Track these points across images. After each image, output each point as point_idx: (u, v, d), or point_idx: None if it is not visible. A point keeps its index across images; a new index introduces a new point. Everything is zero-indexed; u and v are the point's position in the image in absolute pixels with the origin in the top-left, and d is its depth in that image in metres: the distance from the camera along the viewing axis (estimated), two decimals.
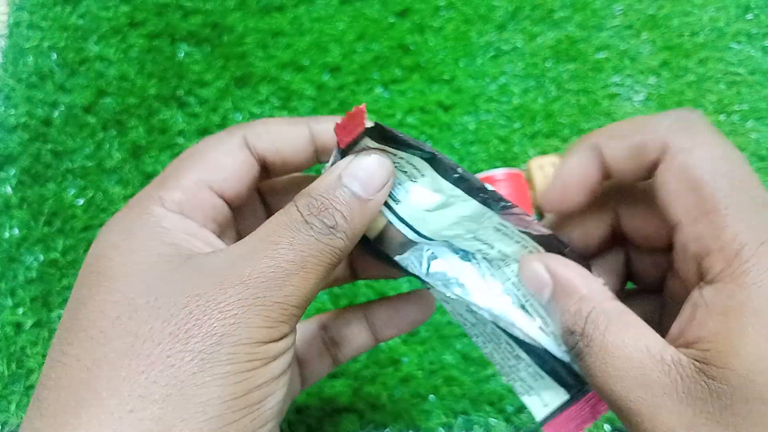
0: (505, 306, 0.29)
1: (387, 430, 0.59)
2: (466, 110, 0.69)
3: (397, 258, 0.28)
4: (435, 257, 0.29)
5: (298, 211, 0.24)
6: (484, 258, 0.29)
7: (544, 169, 0.64)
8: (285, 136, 0.27)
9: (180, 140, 0.68)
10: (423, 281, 0.29)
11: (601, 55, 0.71)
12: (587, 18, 0.72)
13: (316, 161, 0.29)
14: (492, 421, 0.58)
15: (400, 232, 0.28)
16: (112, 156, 0.68)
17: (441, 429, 0.59)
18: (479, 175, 0.62)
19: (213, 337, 0.21)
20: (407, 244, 0.28)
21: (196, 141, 0.70)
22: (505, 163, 0.67)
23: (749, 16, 0.72)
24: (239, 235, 0.30)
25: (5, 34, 0.73)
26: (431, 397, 0.60)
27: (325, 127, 0.28)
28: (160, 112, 0.69)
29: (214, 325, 0.21)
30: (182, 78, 0.70)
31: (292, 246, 0.23)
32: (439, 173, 0.27)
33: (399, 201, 0.27)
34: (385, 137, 0.26)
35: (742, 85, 0.69)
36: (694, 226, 0.22)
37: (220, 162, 0.26)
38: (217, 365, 0.21)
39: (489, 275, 0.29)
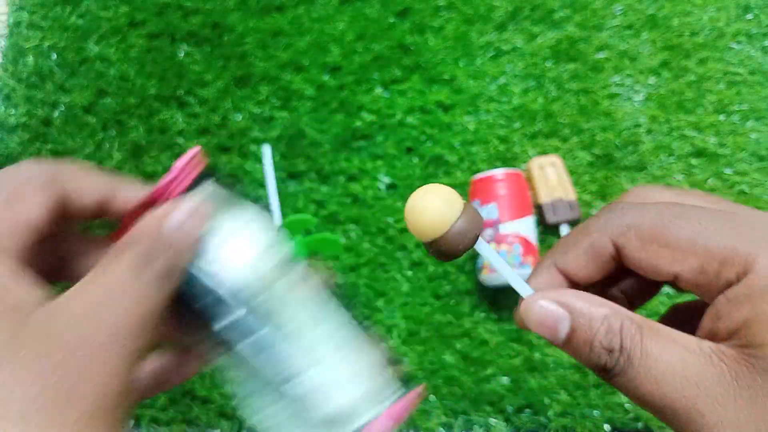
0: None
1: None
2: (466, 110, 0.69)
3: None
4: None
5: (129, 265, 0.24)
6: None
7: (544, 169, 0.64)
8: (87, 181, 0.28)
9: (180, 140, 0.68)
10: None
11: (601, 55, 0.71)
12: (587, 18, 0.72)
13: (104, 214, 0.29)
14: (492, 421, 0.58)
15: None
16: (112, 156, 0.68)
17: (441, 429, 0.59)
18: (479, 175, 0.62)
19: None
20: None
21: (196, 141, 0.70)
22: (505, 163, 0.67)
23: (749, 16, 0.72)
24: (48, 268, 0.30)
25: (5, 34, 0.73)
26: (431, 397, 0.60)
27: (127, 193, 0.28)
28: (160, 112, 0.69)
29: None
30: (182, 78, 0.71)
31: (116, 311, 0.23)
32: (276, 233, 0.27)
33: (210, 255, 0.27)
34: (218, 180, 0.26)
35: (742, 85, 0.69)
36: (690, 267, 0.23)
37: (20, 182, 0.26)
38: None
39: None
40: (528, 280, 0.27)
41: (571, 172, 0.66)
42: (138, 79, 0.70)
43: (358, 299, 0.63)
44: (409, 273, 0.63)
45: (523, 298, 0.26)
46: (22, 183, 0.26)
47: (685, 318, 0.29)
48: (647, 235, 0.24)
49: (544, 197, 0.63)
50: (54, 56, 0.72)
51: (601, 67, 0.70)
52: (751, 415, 0.21)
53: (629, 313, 0.24)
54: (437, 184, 0.26)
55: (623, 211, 0.25)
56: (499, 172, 0.62)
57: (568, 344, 0.25)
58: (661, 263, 0.24)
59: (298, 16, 0.73)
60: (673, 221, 0.23)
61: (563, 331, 0.25)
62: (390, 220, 0.65)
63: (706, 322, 0.23)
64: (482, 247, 0.27)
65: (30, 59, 0.71)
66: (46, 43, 0.72)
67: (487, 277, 0.60)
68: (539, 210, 0.64)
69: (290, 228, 0.56)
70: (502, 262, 0.27)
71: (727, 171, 0.66)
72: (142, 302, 0.24)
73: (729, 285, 0.22)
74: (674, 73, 0.70)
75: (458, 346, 0.61)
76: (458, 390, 0.60)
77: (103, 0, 0.74)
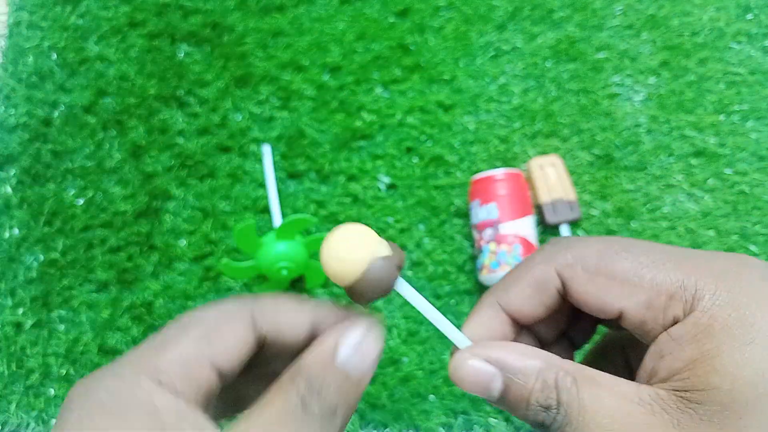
0: None
1: (387, 430, 0.59)
2: (466, 110, 0.69)
3: None
4: None
5: (297, 396, 0.22)
6: None
7: (544, 169, 0.64)
8: (290, 320, 0.26)
9: (180, 140, 0.68)
10: None
11: (601, 55, 0.71)
12: (587, 18, 0.72)
13: (306, 340, 0.27)
14: (492, 421, 0.58)
15: None
16: (112, 156, 0.68)
17: (441, 429, 0.59)
18: (479, 175, 0.62)
19: None
20: None
21: (196, 141, 0.70)
22: (505, 163, 0.67)
23: (749, 16, 0.72)
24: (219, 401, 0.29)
25: (5, 34, 0.73)
26: (431, 397, 0.60)
27: (325, 315, 0.26)
28: (160, 112, 0.69)
29: None
30: (182, 78, 0.71)
31: None
32: None
33: None
34: None
35: (742, 85, 0.69)
36: (636, 301, 0.22)
37: (226, 338, 0.24)
38: None
39: None
40: (468, 319, 0.26)
41: (571, 172, 0.66)
42: (138, 79, 0.70)
43: None
44: (409, 273, 0.63)
45: (454, 353, 0.25)
46: (222, 318, 0.25)
47: (615, 349, 0.28)
48: (593, 268, 0.23)
49: (544, 197, 0.63)
50: (54, 56, 0.72)
51: (601, 67, 0.70)
52: None
53: (564, 363, 0.23)
54: (352, 225, 0.25)
55: (569, 244, 0.24)
56: (499, 172, 0.61)
57: (502, 402, 0.23)
58: (608, 298, 0.23)
59: (298, 16, 0.73)
60: (619, 254, 0.23)
61: (496, 389, 0.23)
62: (390, 220, 0.65)
63: (648, 361, 0.22)
64: (404, 289, 0.26)
65: (30, 59, 0.71)
66: (46, 43, 0.72)
67: (487, 277, 0.60)
68: (539, 210, 0.64)
69: (290, 228, 0.56)
70: (430, 308, 0.26)
71: (727, 171, 0.66)
72: None
73: (675, 321, 0.21)
74: (674, 73, 0.70)
75: None
76: (458, 390, 0.60)
77: (103, 0, 0.74)
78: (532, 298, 0.24)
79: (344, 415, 0.23)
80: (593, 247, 0.23)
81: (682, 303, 0.21)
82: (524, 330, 0.26)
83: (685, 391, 0.20)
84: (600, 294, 0.23)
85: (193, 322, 0.25)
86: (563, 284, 0.24)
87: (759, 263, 0.22)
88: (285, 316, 0.26)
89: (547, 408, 0.22)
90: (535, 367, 0.22)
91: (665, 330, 0.21)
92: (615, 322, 0.24)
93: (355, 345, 0.23)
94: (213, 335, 0.24)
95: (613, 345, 0.28)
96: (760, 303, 0.20)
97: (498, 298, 0.25)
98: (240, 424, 0.22)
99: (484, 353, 0.24)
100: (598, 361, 0.28)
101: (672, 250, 0.22)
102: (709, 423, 0.19)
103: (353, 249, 0.24)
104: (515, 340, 0.26)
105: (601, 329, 0.28)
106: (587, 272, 0.23)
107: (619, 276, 0.22)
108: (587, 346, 0.29)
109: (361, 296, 0.25)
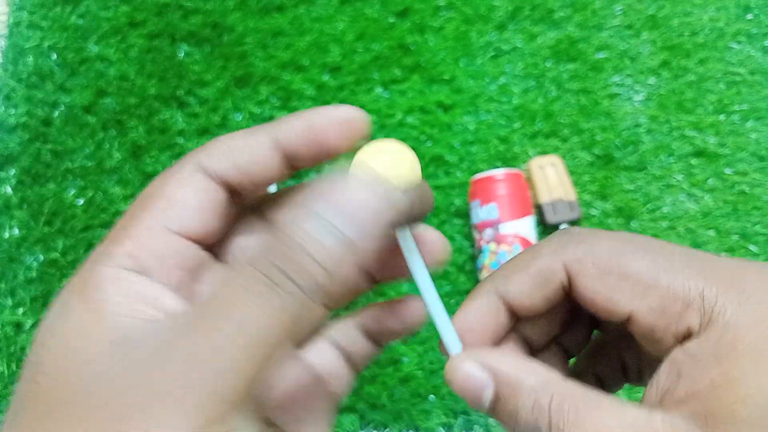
0: None
1: (387, 430, 0.59)
2: (466, 110, 0.69)
3: None
4: None
5: (258, 270, 0.17)
6: None
7: (544, 169, 0.64)
8: (242, 150, 0.22)
9: (180, 140, 0.68)
10: None
11: (601, 55, 0.71)
12: (587, 18, 0.72)
13: (287, 172, 0.24)
14: (492, 421, 0.58)
15: None
16: (112, 156, 0.68)
17: (441, 429, 0.59)
18: (479, 175, 0.62)
19: None
20: None
21: (196, 141, 0.70)
22: (505, 163, 0.67)
23: (749, 16, 0.72)
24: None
25: (5, 34, 0.73)
26: (431, 397, 0.60)
27: (287, 129, 0.23)
28: (160, 112, 0.69)
29: None
30: (182, 78, 0.71)
31: (246, 323, 0.17)
32: None
33: None
34: None
35: (742, 85, 0.69)
36: (648, 305, 0.20)
37: (176, 197, 0.22)
38: None
39: None
40: (463, 307, 0.24)
41: (571, 172, 0.66)
42: (138, 79, 0.70)
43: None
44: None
45: (450, 355, 0.23)
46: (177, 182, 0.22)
47: (611, 349, 0.26)
48: (605, 265, 0.21)
49: (544, 197, 0.63)
50: (54, 56, 0.72)
51: (601, 67, 0.70)
52: None
53: (563, 384, 0.20)
54: (393, 142, 0.22)
55: (580, 236, 0.22)
56: (499, 172, 0.61)
57: (493, 413, 0.22)
58: (618, 298, 0.21)
59: (298, 16, 0.73)
60: (635, 252, 0.21)
61: (486, 399, 0.21)
62: None
63: (663, 379, 0.20)
64: (406, 239, 0.22)
65: (30, 59, 0.71)
66: (46, 43, 0.72)
67: None
68: (539, 210, 0.64)
69: None
70: (430, 288, 0.24)
71: (727, 171, 0.66)
72: (265, 323, 0.18)
73: (689, 333, 0.19)
74: (674, 73, 0.70)
75: None
76: None
77: (103, 0, 0.74)
78: (533, 291, 0.22)
79: (328, 300, 0.20)
80: (606, 242, 0.21)
81: (699, 314, 0.19)
82: (513, 333, 0.25)
83: (707, 418, 0.18)
84: (610, 294, 0.21)
85: (143, 197, 0.22)
86: (569, 280, 0.22)
87: None
88: (233, 146, 0.23)
89: (536, 429, 0.20)
90: (529, 383, 0.20)
91: (677, 341, 0.20)
92: (619, 327, 0.22)
93: (345, 198, 0.18)
94: (161, 200, 0.22)
95: (609, 344, 0.27)
96: None
97: (497, 286, 0.23)
98: (193, 307, 0.19)
99: (481, 358, 0.22)
100: (593, 359, 0.26)
101: (693, 254, 0.20)
102: None
103: (394, 165, 0.22)
104: (504, 339, 0.25)
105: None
106: (598, 269, 0.21)
107: (632, 276, 0.20)
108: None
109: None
